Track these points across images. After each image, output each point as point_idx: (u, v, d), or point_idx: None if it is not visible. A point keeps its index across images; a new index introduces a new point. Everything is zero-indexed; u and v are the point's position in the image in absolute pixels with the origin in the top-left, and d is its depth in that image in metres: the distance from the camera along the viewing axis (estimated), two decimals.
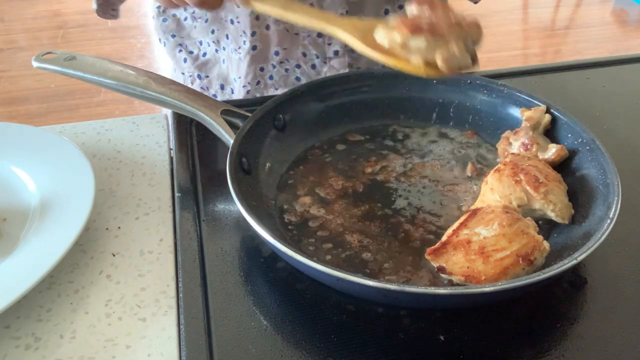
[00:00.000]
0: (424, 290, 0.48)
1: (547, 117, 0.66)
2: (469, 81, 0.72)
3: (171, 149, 0.74)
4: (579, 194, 0.60)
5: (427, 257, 0.54)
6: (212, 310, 0.53)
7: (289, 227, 0.60)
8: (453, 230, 0.54)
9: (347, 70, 0.81)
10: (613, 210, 0.53)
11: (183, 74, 0.89)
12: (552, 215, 0.58)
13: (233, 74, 0.84)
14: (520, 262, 0.51)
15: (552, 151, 0.63)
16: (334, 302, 0.53)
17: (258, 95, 0.84)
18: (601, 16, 3.45)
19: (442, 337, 0.51)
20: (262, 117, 0.67)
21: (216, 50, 0.84)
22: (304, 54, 0.81)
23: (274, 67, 0.82)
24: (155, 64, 3.03)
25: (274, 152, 0.68)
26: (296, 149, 0.70)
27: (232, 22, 0.81)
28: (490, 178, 0.60)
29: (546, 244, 0.53)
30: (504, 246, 0.52)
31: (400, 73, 0.73)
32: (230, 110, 0.68)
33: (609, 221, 0.52)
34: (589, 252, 0.50)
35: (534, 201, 0.58)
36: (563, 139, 0.65)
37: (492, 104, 0.71)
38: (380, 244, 0.58)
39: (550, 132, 0.66)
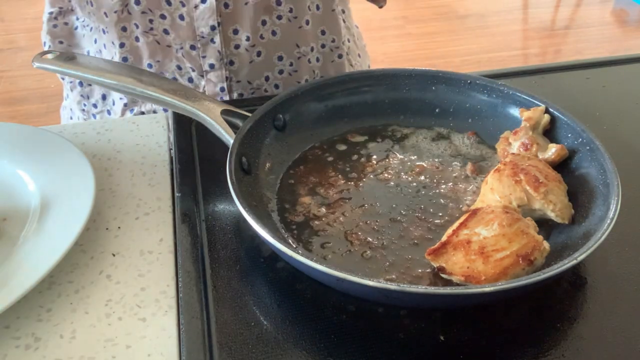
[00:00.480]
0: (424, 290, 0.48)
1: (546, 117, 0.66)
2: (468, 81, 0.72)
3: (171, 149, 0.74)
4: (579, 194, 0.60)
5: (426, 257, 0.54)
6: (212, 310, 0.53)
7: (289, 227, 0.60)
8: (453, 230, 0.54)
9: (224, 84, 0.79)
10: (613, 210, 0.53)
11: (64, 79, 0.87)
12: (552, 215, 0.58)
13: (103, 90, 0.82)
14: (520, 262, 0.51)
15: (552, 151, 0.63)
16: (334, 302, 0.53)
17: (135, 108, 0.81)
18: (601, 16, 3.46)
19: (442, 337, 0.51)
20: (262, 117, 0.67)
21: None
22: (179, 67, 0.79)
23: None
24: None
25: (274, 152, 0.68)
26: (296, 149, 0.70)
27: (103, 31, 0.78)
28: (490, 178, 0.60)
29: (546, 244, 0.53)
30: (504, 246, 0.52)
31: (400, 73, 0.74)
32: (230, 110, 0.68)
33: (609, 221, 0.52)
34: (589, 252, 0.50)
35: (534, 201, 0.58)
36: (563, 139, 0.65)
37: (492, 104, 0.71)
38: (380, 243, 0.58)
39: (550, 132, 0.66)
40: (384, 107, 0.74)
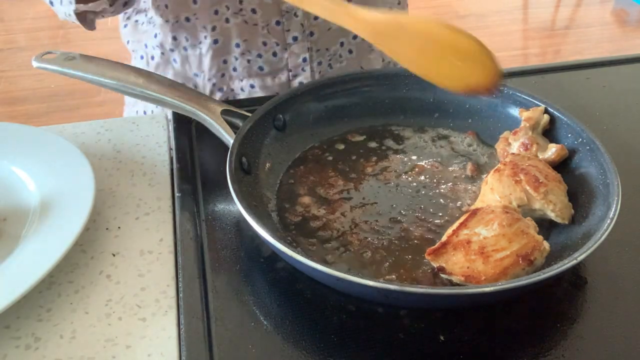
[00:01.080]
0: (424, 290, 0.48)
1: (546, 117, 0.66)
2: None
3: (171, 149, 0.74)
4: (579, 194, 0.60)
5: (427, 257, 0.54)
6: (212, 310, 0.53)
7: (289, 227, 0.60)
8: (453, 231, 0.54)
9: (306, 54, 0.83)
10: (613, 210, 0.53)
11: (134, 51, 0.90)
12: (552, 215, 0.58)
13: (193, 70, 0.85)
14: (520, 262, 0.51)
15: (552, 151, 0.63)
16: (334, 302, 0.53)
17: (225, 87, 0.85)
18: (601, 16, 3.45)
19: (442, 337, 0.51)
20: (262, 117, 0.67)
21: (162, 53, 0.85)
22: (265, 43, 0.82)
23: (237, 59, 0.83)
24: None
25: (274, 152, 0.68)
26: (296, 149, 0.70)
27: (187, 19, 0.82)
28: (490, 178, 0.60)
29: (546, 244, 0.53)
30: (503, 246, 0.52)
31: (400, 73, 0.74)
32: (230, 110, 0.68)
33: (609, 221, 0.52)
34: (589, 252, 0.50)
35: (534, 201, 0.58)
36: (563, 138, 0.65)
37: (492, 104, 0.71)
38: (380, 243, 0.58)
39: (550, 132, 0.66)
40: (384, 107, 0.74)
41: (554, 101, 0.67)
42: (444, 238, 0.54)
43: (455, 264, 0.53)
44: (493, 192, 0.59)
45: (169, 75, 0.86)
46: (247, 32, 0.81)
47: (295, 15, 0.80)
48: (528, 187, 0.58)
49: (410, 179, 0.66)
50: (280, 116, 0.69)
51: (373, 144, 0.71)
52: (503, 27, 3.32)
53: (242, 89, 0.85)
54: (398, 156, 0.69)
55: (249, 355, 0.49)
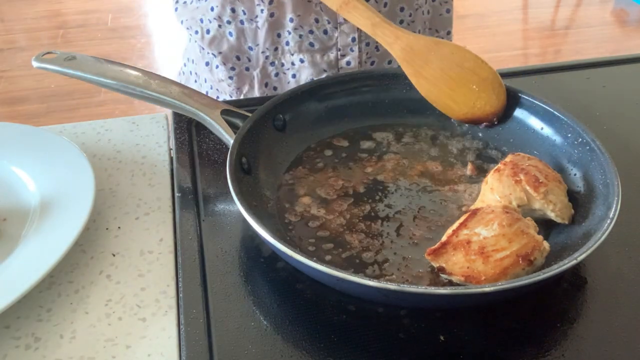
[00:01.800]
0: (424, 290, 0.48)
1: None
2: None
3: (171, 149, 0.74)
4: (579, 194, 0.60)
5: (426, 257, 0.54)
6: (212, 310, 0.53)
7: (289, 227, 0.60)
8: (453, 231, 0.54)
9: (355, 34, 0.85)
10: (613, 210, 0.53)
11: (203, 49, 0.92)
12: (552, 215, 0.58)
13: (248, 43, 0.87)
14: (520, 262, 0.51)
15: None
16: (334, 302, 0.53)
17: (276, 61, 0.88)
18: (601, 16, 3.45)
19: (442, 337, 0.51)
20: (262, 117, 0.67)
21: (219, 26, 0.87)
22: (317, 20, 0.84)
23: (290, 33, 0.85)
24: (155, 64, 3.03)
25: (274, 152, 0.68)
26: (296, 149, 0.70)
27: None
28: (490, 178, 0.60)
29: (546, 244, 0.53)
30: (503, 246, 0.52)
31: (400, 73, 0.74)
32: (230, 110, 0.68)
33: (609, 221, 0.52)
34: (589, 252, 0.50)
35: (534, 201, 0.58)
36: (563, 138, 0.65)
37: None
38: (380, 243, 0.58)
39: (550, 132, 0.66)
40: (384, 107, 0.74)
41: (554, 101, 0.67)
42: (444, 238, 0.54)
43: (455, 264, 0.53)
44: (493, 192, 0.59)
45: (224, 48, 0.88)
46: (301, 7, 0.83)
47: None
48: (528, 187, 0.58)
49: (410, 179, 0.66)
50: (280, 116, 0.69)
51: (373, 144, 0.71)
52: (503, 27, 3.32)
53: (292, 63, 0.87)
54: (398, 156, 0.69)
55: (249, 355, 0.49)
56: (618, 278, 0.56)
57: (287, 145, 0.69)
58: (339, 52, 0.87)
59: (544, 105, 0.67)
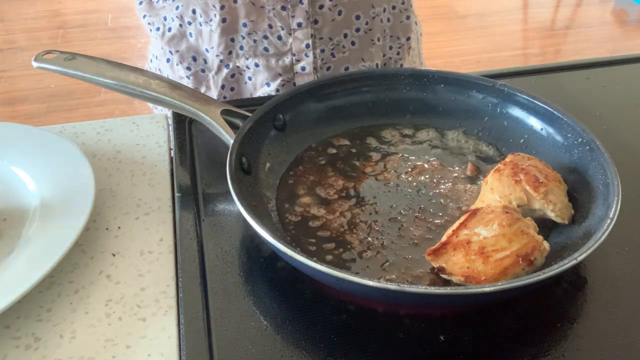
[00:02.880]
0: (424, 290, 0.48)
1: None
2: (468, 81, 0.72)
3: (171, 149, 0.74)
4: (579, 194, 0.60)
5: (426, 257, 0.54)
6: (212, 310, 0.53)
7: (289, 227, 0.60)
8: (453, 231, 0.54)
9: (309, 41, 0.85)
10: (613, 210, 0.53)
11: (163, 47, 0.93)
12: (552, 215, 0.58)
13: (205, 45, 0.88)
14: (520, 262, 0.51)
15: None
16: (334, 302, 0.53)
17: (231, 64, 0.88)
18: (601, 16, 3.45)
19: (442, 337, 0.51)
20: (262, 117, 0.67)
21: (180, 25, 0.88)
22: (270, 26, 0.85)
23: (243, 38, 0.85)
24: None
25: (274, 152, 0.68)
26: (296, 149, 0.70)
27: None
28: (490, 178, 0.60)
29: (546, 244, 0.53)
30: (503, 246, 0.52)
31: (400, 73, 0.74)
32: (230, 110, 0.68)
33: (609, 221, 0.52)
34: (589, 252, 0.50)
35: (533, 201, 0.58)
36: (563, 138, 0.65)
37: (492, 104, 0.71)
38: (380, 243, 0.58)
39: (551, 132, 0.66)
40: (384, 107, 0.74)
41: (554, 101, 0.67)
42: (443, 238, 0.54)
43: (455, 264, 0.53)
44: (493, 192, 0.59)
45: (182, 47, 0.89)
46: (254, 13, 0.83)
47: (301, 2, 0.83)
48: (528, 187, 0.58)
49: (410, 178, 0.66)
50: (280, 116, 0.69)
51: (373, 144, 0.71)
52: (503, 27, 3.32)
53: (247, 67, 0.88)
54: (398, 156, 0.69)
55: (249, 355, 0.49)
56: (618, 278, 0.56)
57: (287, 145, 0.69)
58: (293, 57, 0.86)
59: (544, 105, 0.67)
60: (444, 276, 0.54)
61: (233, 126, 0.66)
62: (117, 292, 0.57)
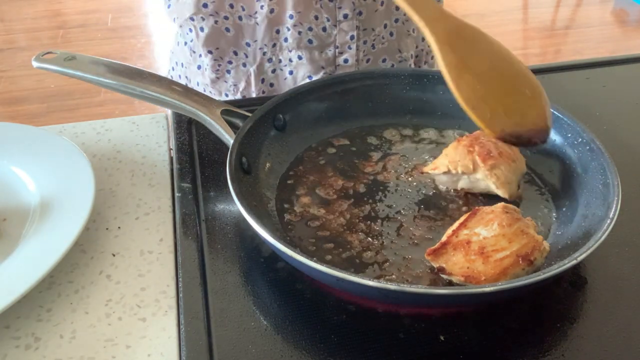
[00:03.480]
0: (424, 290, 0.48)
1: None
2: None
3: (171, 149, 0.74)
4: (579, 194, 0.60)
5: (426, 257, 0.54)
6: (212, 310, 0.53)
7: (289, 227, 0.60)
8: (453, 231, 0.54)
9: (354, 32, 0.85)
10: (613, 210, 0.53)
11: (194, 52, 0.92)
12: (492, 187, 0.61)
13: (246, 39, 0.87)
14: (520, 262, 0.51)
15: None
16: (334, 302, 0.53)
17: (274, 58, 0.88)
18: (601, 16, 3.46)
19: (442, 337, 0.51)
20: (262, 117, 0.67)
21: (215, 22, 0.87)
22: (316, 17, 0.85)
23: (289, 29, 0.85)
24: (155, 64, 3.03)
25: (274, 152, 0.68)
26: (296, 149, 0.70)
27: None
28: (450, 145, 0.64)
29: (546, 244, 0.53)
30: (503, 246, 0.52)
31: (400, 73, 0.74)
32: (230, 110, 0.68)
33: (609, 221, 0.52)
34: (589, 252, 0.50)
35: (478, 170, 0.61)
36: (563, 138, 0.65)
37: None
38: (380, 243, 0.58)
39: (551, 132, 0.66)
40: (384, 107, 0.74)
41: (554, 101, 0.67)
42: (443, 238, 0.54)
43: (455, 264, 0.53)
44: (446, 157, 0.63)
45: (221, 44, 0.88)
46: (301, 4, 0.83)
47: None
48: (478, 158, 0.61)
49: (410, 178, 0.66)
50: (280, 116, 0.69)
51: (373, 144, 0.71)
52: (503, 27, 3.32)
53: (290, 60, 0.88)
54: (398, 156, 0.69)
55: (249, 355, 0.49)
56: (618, 278, 0.56)
57: (287, 145, 0.69)
58: (336, 50, 0.87)
59: None
60: (444, 276, 0.54)
61: (233, 126, 0.66)
62: (117, 292, 0.57)
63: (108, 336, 0.53)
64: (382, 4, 0.86)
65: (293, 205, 0.63)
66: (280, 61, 0.88)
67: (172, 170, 0.71)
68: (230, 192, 0.56)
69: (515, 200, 0.62)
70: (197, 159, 0.70)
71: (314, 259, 0.49)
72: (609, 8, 3.53)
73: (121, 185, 0.69)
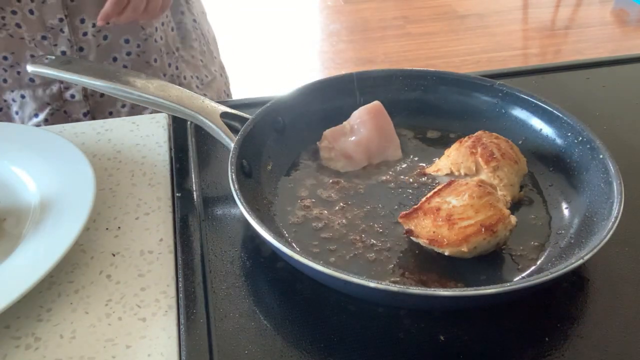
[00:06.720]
0: (427, 292, 0.48)
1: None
2: (469, 81, 0.72)
3: (171, 149, 0.74)
4: (580, 194, 0.60)
5: (399, 220, 0.57)
6: (212, 310, 0.53)
7: (292, 229, 0.60)
8: (426, 198, 0.57)
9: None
10: (616, 209, 0.53)
11: None
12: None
13: None
14: (483, 231, 0.53)
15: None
16: (334, 302, 0.53)
17: None
18: (601, 16, 3.46)
19: (442, 337, 0.51)
20: (262, 120, 0.67)
21: None
22: (32, 56, 0.85)
23: (6, 70, 0.85)
24: None
25: (275, 154, 0.68)
26: (296, 151, 0.70)
27: None
28: (453, 146, 0.64)
29: (513, 218, 0.55)
30: (469, 215, 0.54)
31: (399, 74, 0.74)
32: (230, 113, 0.68)
33: (612, 220, 0.52)
34: (593, 252, 0.49)
35: (481, 172, 0.61)
36: (563, 138, 0.65)
37: (492, 104, 0.71)
38: (382, 245, 0.58)
39: (551, 132, 0.66)
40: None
41: (554, 101, 0.67)
42: (417, 205, 0.57)
43: (423, 228, 0.55)
44: (448, 158, 0.63)
45: None
46: (14, 45, 0.83)
47: (62, 31, 0.83)
48: (480, 160, 0.61)
49: (411, 180, 0.66)
50: (280, 119, 0.69)
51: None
52: (503, 27, 3.32)
53: (13, 100, 0.88)
54: (399, 157, 0.69)
55: (249, 355, 0.49)
56: (619, 278, 0.56)
57: (287, 147, 0.69)
58: (62, 85, 0.86)
59: (544, 105, 0.67)
60: (412, 238, 0.56)
61: (232, 129, 0.66)
62: (117, 292, 0.57)
63: (108, 336, 0.53)
64: (105, 38, 0.85)
65: (294, 207, 0.63)
66: (5, 101, 0.88)
67: (172, 170, 0.71)
68: (232, 195, 0.56)
69: (516, 202, 0.62)
70: (197, 159, 0.70)
71: (321, 262, 0.49)
72: (609, 8, 3.53)
73: (121, 185, 0.69)
